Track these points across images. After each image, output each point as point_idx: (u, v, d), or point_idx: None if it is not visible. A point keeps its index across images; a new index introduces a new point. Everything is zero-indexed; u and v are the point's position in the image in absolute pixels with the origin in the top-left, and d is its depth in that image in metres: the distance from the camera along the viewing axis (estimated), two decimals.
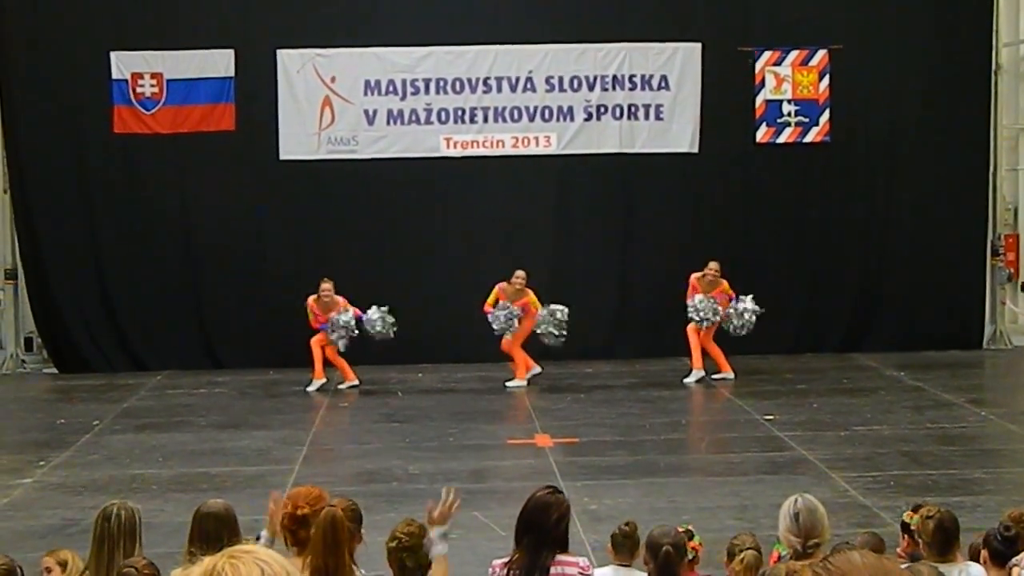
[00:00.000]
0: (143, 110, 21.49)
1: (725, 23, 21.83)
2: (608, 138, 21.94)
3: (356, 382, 19.51)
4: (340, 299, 19.16)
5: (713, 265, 19.42)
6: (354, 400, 19.05)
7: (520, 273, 19.33)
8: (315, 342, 19.27)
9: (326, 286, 19.14)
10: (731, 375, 19.46)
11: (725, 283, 19.38)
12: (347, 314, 19.03)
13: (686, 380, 19.40)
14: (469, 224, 21.73)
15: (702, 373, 19.40)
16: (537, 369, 19.59)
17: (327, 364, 19.41)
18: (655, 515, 11.31)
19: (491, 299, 19.30)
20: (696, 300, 19.30)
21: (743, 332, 19.40)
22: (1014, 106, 22.76)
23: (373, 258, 21.47)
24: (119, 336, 21.68)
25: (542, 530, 6.53)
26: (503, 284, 19.31)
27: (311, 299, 19.14)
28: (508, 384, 19.42)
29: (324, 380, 19.40)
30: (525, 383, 19.39)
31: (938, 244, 22.03)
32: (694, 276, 19.49)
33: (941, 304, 21.99)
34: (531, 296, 19.29)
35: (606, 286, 21.86)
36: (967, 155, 22.22)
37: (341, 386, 19.45)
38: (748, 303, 19.34)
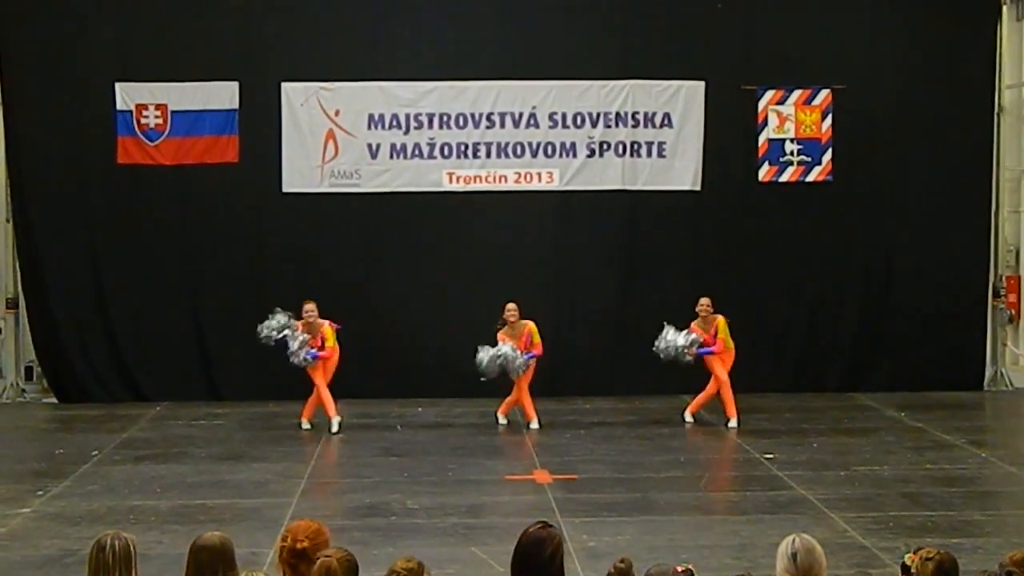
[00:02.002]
0: (147, 141, 21.54)
1: (728, 61, 21.89)
2: (610, 175, 21.98)
3: (339, 417, 18.98)
4: (324, 322, 18.76)
5: (704, 301, 19.06)
6: (341, 429, 18.98)
7: (511, 306, 18.90)
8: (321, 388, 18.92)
9: (308, 306, 18.68)
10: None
11: (720, 319, 19.03)
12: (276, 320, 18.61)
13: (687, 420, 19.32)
14: (470, 259, 21.74)
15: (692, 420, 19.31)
16: (535, 424, 19.12)
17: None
18: (653, 553, 11.29)
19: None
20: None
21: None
22: (1016, 148, 22.81)
23: (374, 292, 21.48)
24: (119, 366, 21.68)
25: (537, 566, 6.51)
26: (503, 327, 18.91)
27: (299, 323, 18.71)
28: (531, 426, 19.16)
29: (340, 417, 19.03)
30: (506, 421, 19.25)
31: (939, 285, 22.04)
32: (695, 324, 19.08)
33: (942, 345, 22.00)
34: (531, 327, 18.92)
35: (607, 322, 21.86)
36: (969, 196, 22.26)
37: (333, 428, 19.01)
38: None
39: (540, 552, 6.50)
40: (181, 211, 21.65)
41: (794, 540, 6.63)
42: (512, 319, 18.89)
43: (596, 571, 10.74)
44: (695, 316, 19.18)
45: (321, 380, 18.82)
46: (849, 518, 13.47)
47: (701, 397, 19.27)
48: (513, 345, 18.71)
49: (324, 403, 18.95)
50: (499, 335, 18.90)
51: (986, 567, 8.18)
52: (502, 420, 19.25)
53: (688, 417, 19.33)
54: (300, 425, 19.02)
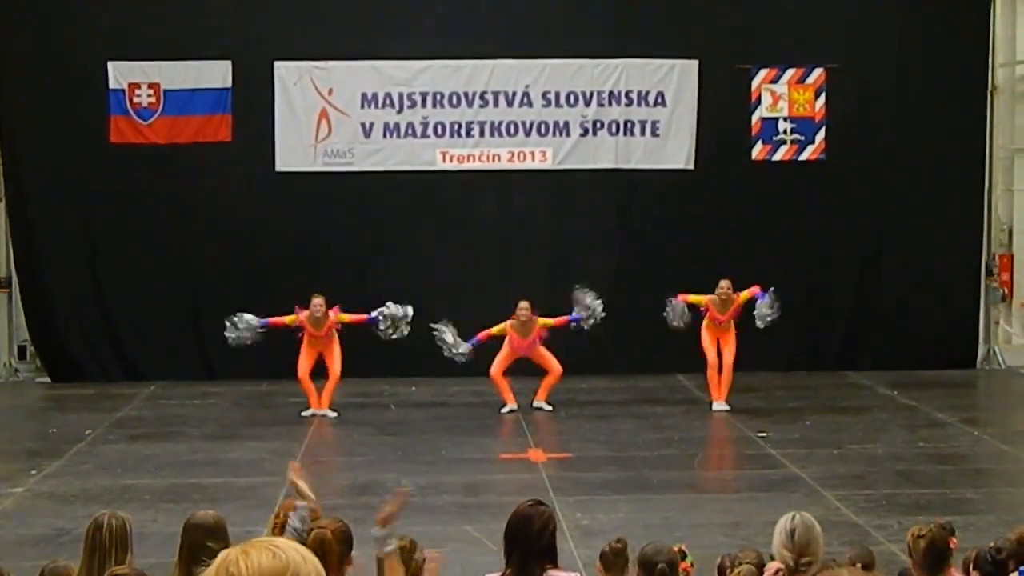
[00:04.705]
0: (140, 120, 21.51)
1: (722, 40, 21.86)
2: (604, 154, 21.97)
3: (316, 411, 18.60)
4: (332, 312, 18.49)
5: (724, 284, 18.71)
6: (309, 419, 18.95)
7: (524, 304, 18.52)
8: (304, 374, 18.62)
9: (317, 301, 18.38)
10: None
11: (739, 297, 18.77)
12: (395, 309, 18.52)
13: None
14: (464, 238, 21.74)
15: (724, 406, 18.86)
16: (512, 406, 18.85)
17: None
18: (647, 531, 11.32)
19: (496, 330, 18.56)
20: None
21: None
22: (1009, 126, 22.80)
23: (368, 271, 21.47)
24: (113, 345, 21.67)
25: (526, 542, 6.54)
26: (512, 321, 18.54)
27: (303, 315, 18.42)
28: (503, 410, 19.01)
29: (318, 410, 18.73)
30: (516, 406, 18.97)
31: (933, 263, 22.05)
32: (708, 298, 18.73)
33: (935, 323, 22.02)
34: (540, 322, 18.59)
35: (601, 300, 21.81)
36: (962, 175, 22.27)
37: (307, 413, 18.74)
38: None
39: (528, 528, 6.54)
40: (174, 190, 21.62)
41: (793, 517, 6.66)
42: (524, 318, 18.52)
43: (590, 549, 10.74)
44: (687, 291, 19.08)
45: (307, 365, 18.55)
46: (842, 496, 13.50)
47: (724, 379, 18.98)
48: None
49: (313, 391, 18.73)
50: (507, 326, 18.54)
51: (978, 544, 8.20)
52: (548, 406, 18.87)
53: (723, 405, 18.80)
54: (316, 414, 18.54)
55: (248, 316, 18.64)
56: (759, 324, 18.84)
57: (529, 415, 18.48)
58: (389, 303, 18.75)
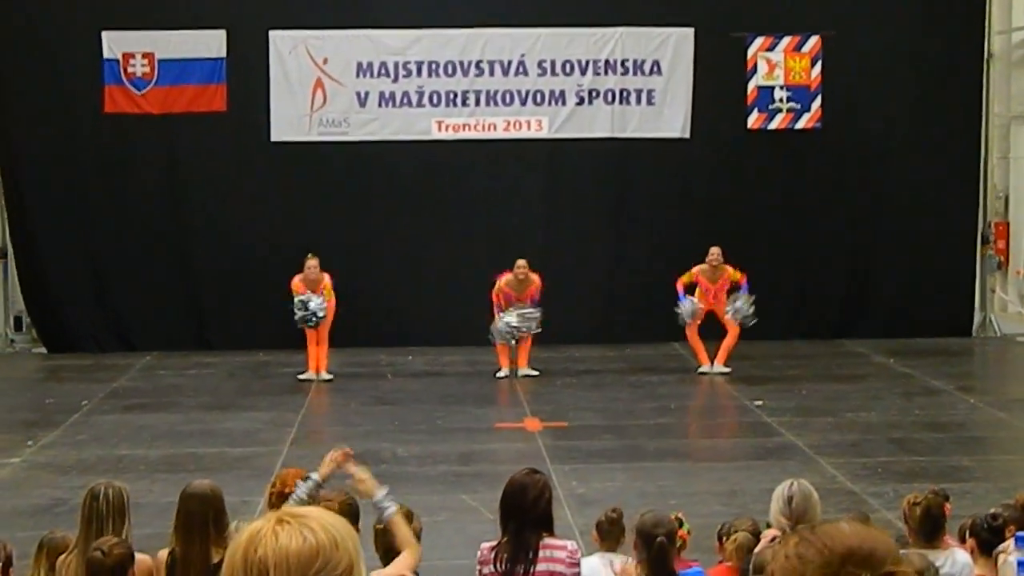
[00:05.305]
0: (134, 90, 21.44)
1: (718, 8, 21.80)
2: (600, 122, 21.92)
3: (312, 375, 18.80)
4: (325, 276, 18.57)
5: (714, 250, 18.84)
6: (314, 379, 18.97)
7: (521, 262, 18.65)
8: (310, 338, 18.70)
9: (312, 262, 18.46)
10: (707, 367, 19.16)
11: (729, 268, 18.89)
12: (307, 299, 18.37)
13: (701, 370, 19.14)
14: (460, 207, 21.70)
15: (710, 367, 19.03)
16: (505, 371, 19.02)
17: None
18: (643, 500, 11.32)
19: (497, 292, 18.66)
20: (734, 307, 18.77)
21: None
22: (1006, 94, 22.75)
23: (363, 240, 21.45)
24: (109, 316, 21.65)
25: (522, 511, 6.56)
26: (507, 276, 18.72)
27: (297, 278, 18.50)
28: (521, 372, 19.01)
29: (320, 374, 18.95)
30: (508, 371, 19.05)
31: (929, 231, 22.02)
32: (697, 269, 18.90)
33: (931, 291, 22.01)
34: (537, 283, 18.70)
35: (596, 270, 21.84)
36: (958, 143, 22.23)
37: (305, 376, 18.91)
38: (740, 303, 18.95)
39: (524, 497, 6.55)
40: (169, 160, 21.57)
41: (791, 484, 6.68)
42: (521, 276, 18.63)
43: (585, 517, 10.76)
44: (683, 263, 19.12)
45: (313, 333, 18.69)
46: (838, 464, 13.52)
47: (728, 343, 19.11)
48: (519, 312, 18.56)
49: (315, 355, 18.86)
50: (502, 285, 18.67)
51: (974, 512, 8.21)
52: (533, 372, 19.00)
53: (721, 367, 19.00)
54: (312, 379, 18.69)
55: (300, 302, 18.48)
56: (733, 318, 18.81)
57: (524, 384, 18.49)
58: (312, 302, 18.49)
